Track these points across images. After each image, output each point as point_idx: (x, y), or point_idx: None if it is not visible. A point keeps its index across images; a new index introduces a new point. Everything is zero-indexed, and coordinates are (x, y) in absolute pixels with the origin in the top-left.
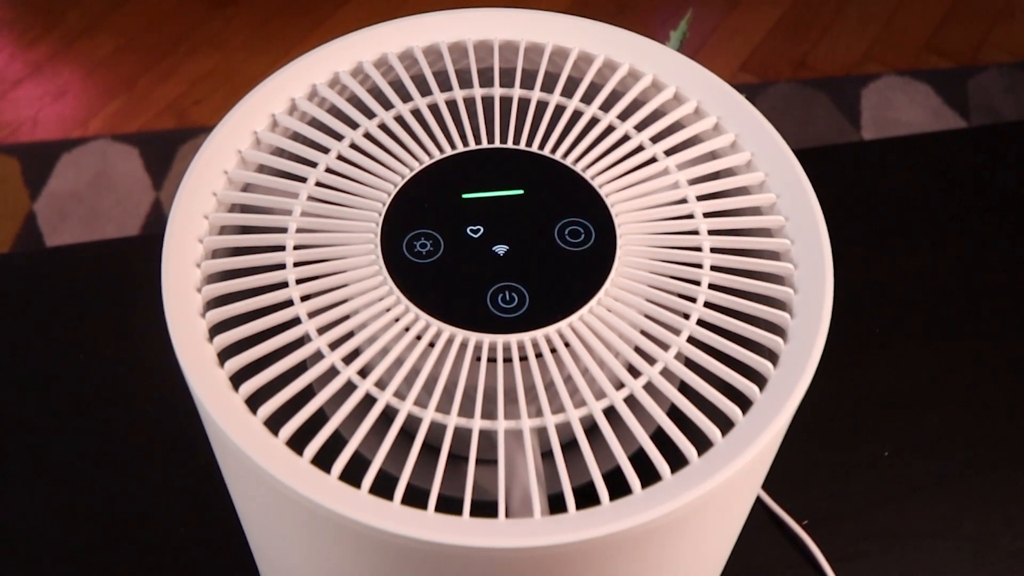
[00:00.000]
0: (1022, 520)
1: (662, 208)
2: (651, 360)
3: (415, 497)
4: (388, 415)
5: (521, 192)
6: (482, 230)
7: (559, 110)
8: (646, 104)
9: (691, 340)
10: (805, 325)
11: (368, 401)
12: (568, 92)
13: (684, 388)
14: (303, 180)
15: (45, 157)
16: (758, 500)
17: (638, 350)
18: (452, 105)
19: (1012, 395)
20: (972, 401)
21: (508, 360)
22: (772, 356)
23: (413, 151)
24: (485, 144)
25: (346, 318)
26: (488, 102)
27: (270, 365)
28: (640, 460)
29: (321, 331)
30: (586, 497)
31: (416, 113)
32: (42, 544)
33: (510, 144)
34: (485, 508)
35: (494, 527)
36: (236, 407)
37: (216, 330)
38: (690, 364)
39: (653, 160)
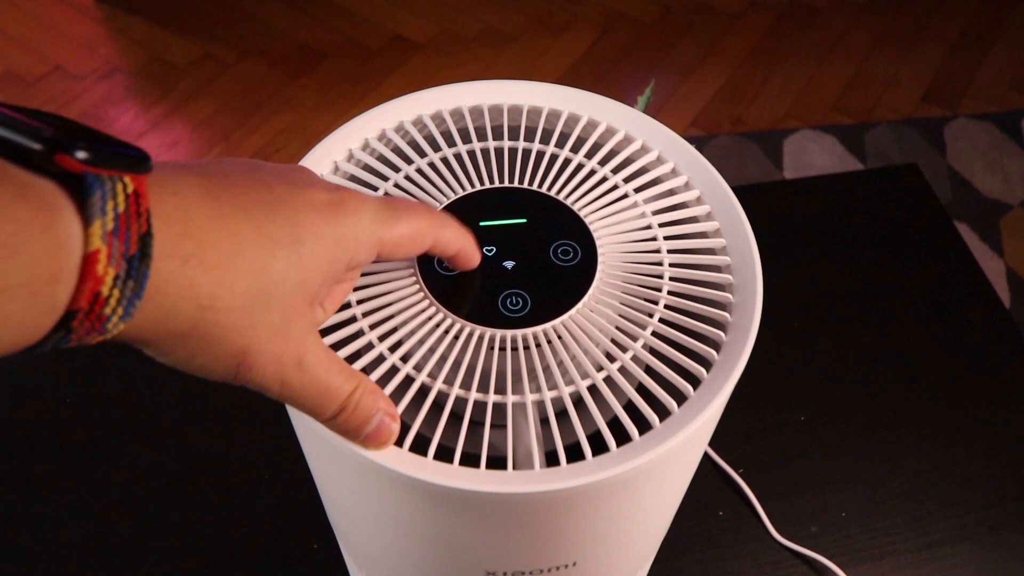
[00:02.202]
0: (905, 470)
1: (632, 233)
2: (623, 349)
3: (443, 453)
4: (423, 391)
5: (524, 220)
6: (495, 250)
7: (553, 158)
8: (620, 153)
9: (654, 334)
10: (741, 321)
11: (407, 380)
12: (560, 144)
13: (649, 371)
14: None
15: None
16: (705, 454)
17: (614, 341)
18: (471, 154)
19: (895, 375)
20: (867, 380)
21: (515, 349)
22: (716, 345)
23: (442, 188)
24: (496, 184)
25: (391, 317)
26: (499, 152)
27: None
28: (616, 425)
29: (372, 327)
30: (575, 454)
31: (444, 160)
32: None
33: (516, 184)
34: (497, 462)
35: (504, 477)
36: None
37: None
38: (654, 352)
39: (625, 196)
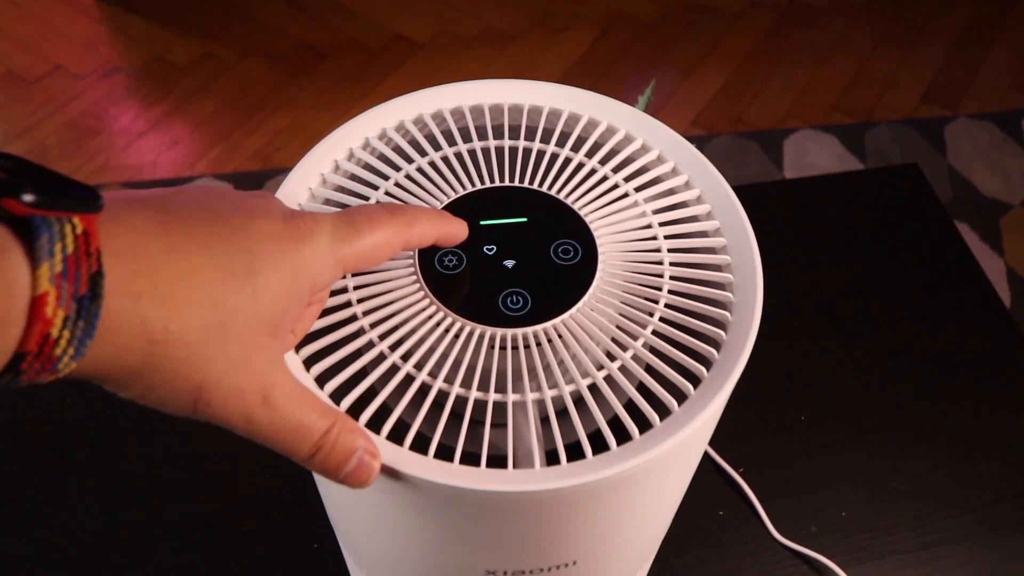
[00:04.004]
0: (905, 470)
1: (632, 232)
2: (624, 348)
3: (444, 452)
4: (424, 390)
5: (525, 220)
6: (495, 249)
7: (554, 157)
8: (620, 152)
9: (655, 333)
10: (741, 320)
11: (408, 379)
12: (561, 143)
13: (650, 369)
14: None
15: None
16: (705, 453)
17: (614, 340)
18: (472, 153)
19: (895, 375)
20: (867, 379)
21: (515, 348)
22: (716, 344)
23: (442, 187)
24: (497, 183)
25: (391, 316)
26: (499, 151)
27: (333, 352)
28: (616, 424)
29: (373, 326)
30: (576, 452)
31: (445, 159)
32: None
33: (516, 183)
34: (498, 461)
35: (505, 475)
36: (308, 384)
37: None
38: (654, 351)
39: (626, 195)
